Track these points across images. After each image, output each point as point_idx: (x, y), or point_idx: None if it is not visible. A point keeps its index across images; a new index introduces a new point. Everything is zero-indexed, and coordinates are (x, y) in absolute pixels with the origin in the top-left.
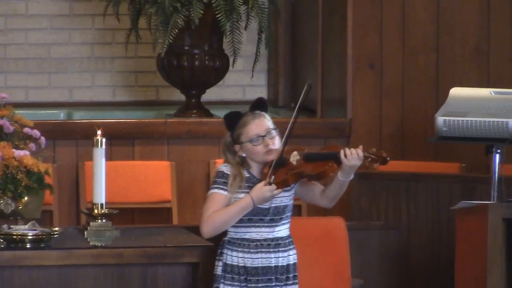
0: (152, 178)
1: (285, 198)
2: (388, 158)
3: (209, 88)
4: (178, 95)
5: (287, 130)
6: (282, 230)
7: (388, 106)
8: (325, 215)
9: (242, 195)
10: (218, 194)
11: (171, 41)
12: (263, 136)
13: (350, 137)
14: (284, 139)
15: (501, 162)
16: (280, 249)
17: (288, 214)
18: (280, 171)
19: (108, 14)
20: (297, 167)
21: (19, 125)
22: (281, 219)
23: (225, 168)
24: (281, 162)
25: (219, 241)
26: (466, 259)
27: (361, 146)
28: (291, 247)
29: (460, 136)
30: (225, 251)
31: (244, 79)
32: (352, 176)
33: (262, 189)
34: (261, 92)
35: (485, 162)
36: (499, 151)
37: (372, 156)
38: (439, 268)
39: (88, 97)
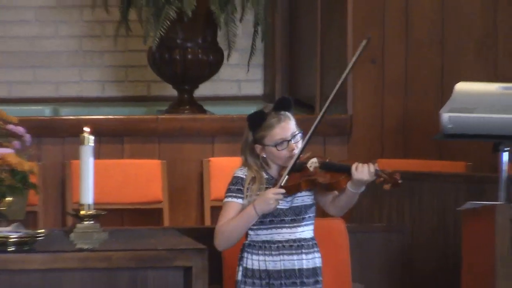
0: (143, 178)
1: (307, 198)
2: (400, 181)
3: (203, 83)
4: (170, 91)
5: (310, 131)
6: (305, 231)
7: (390, 102)
8: (325, 216)
9: None
10: (232, 203)
11: (162, 34)
12: (289, 141)
13: (350, 134)
14: (303, 142)
15: (509, 160)
16: (303, 250)
17: (311, 215)
18: (295, 175)
19: (97, 5)
20: (312, 174)
21: (2, 121)
22: (303, 219)
23: (241, 173)
24: (298, 166)
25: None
26: (473, 262)
27: (376, 165)
28: (316, 249)
29: (466, 134)
30: (245, 255)
31: (239, 74)
32: (362, 189)
33: (265, 193)
34: (257, 87)
35: (492, 160)
36: (507, 149)
37: (384, 175)
38: (444, 272)
39: (76, 92)
